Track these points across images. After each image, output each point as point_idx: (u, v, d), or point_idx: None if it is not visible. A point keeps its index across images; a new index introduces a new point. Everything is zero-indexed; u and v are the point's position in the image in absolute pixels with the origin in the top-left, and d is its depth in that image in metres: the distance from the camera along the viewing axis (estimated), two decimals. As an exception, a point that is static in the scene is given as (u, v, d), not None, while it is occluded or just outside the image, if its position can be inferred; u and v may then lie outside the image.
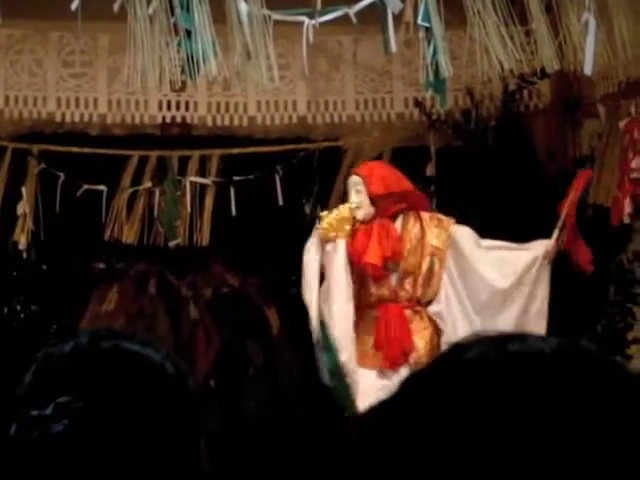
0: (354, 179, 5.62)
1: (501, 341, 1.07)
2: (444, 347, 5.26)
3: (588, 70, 4.86)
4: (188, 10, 4.65)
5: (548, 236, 6.01)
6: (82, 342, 1.48)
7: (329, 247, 5.45)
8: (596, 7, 4.80)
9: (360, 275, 5.52)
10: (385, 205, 5.51)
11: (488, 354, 1.05)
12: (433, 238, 5.54)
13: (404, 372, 5.29)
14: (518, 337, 1.08)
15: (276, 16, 4.87)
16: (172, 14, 4.69)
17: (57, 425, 1.38)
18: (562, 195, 6.35)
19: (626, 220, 5.85)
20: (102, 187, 6.77)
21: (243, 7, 4.75)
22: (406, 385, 1.07)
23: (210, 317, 7.00)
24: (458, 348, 1.07)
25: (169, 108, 6.67)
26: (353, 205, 5.51)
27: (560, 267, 6.25)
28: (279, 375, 6.87)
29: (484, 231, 6.15)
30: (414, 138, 6.70)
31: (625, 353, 6.24)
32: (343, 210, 5.53)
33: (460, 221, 5.61)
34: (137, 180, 6.86)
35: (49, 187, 6.70)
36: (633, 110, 5.90)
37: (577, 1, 4.83)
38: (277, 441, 6.52)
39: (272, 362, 6.94)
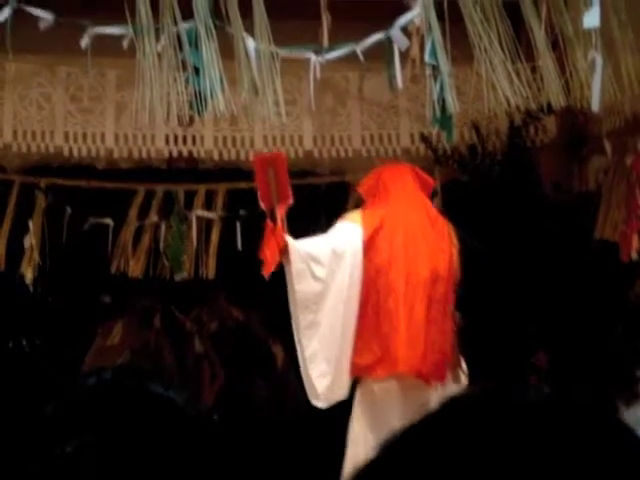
0: None
1: (500, 393, 1.07)
2: None
3: (595, 107, 4.87)
4: (196, 47, 4.68)
5: (556, 268, 6.03)
6: (106, 379, 1.48)
7: None
8: (602, 44, 4.82)
9: None
10: None
11: (487, 407, 1.05)
12: None
13: None
14: (518, 389, 1.09)
15: (283, 53, 4.90)
16: (180, 50, 4.71)
17: (78, 465, 1.38)
18: (565, 228, 6.36)
19: (634, 256, 5.84)
20: (108, 221, 6.80)
21: (251, 44, 4.78)
22: (403, 439, 1.07)
23: (215, 351, 7.00)
24: (455, 402, 1.08)
25: (176, 142, 6.69)
26: None
27: (568, 304, 6.25)
28: (284, 409, 6.86)
29: (489, 264, 6.15)
30: (420, 173, 6.72)
31: (633, 391, 6.22)
32: None
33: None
34: (143, 214, 6.88)
35: (56, 220, 6.72)
36: (639, 146, 5.91)
37: (583, 38, 4.85)
38: (284, 472, 6.51)
39: (277, 396, 6.94)
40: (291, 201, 5.06)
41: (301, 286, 5.09)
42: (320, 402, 5.13)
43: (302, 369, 5.16)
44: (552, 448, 1.02)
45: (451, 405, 1.08)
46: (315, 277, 5.12)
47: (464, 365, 5.29)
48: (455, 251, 5.32)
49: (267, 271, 5.09)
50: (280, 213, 5.02)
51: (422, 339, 5.11)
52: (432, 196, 6.29)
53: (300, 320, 5.11)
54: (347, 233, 5.21)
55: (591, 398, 1.07)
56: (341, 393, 5.15)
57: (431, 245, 5.25)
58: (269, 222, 5.06)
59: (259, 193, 5.13)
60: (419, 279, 5.15)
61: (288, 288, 5.13)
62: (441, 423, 1.06)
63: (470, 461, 1.02)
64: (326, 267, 5.12)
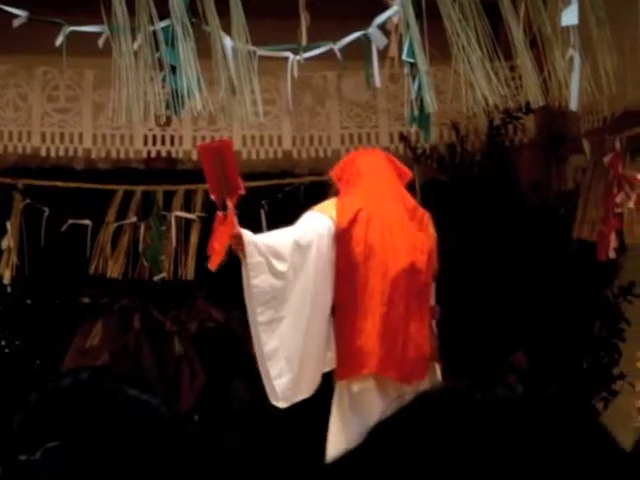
0: None
1: (468, 390, 1.06)
2: None
3: (574, 106, 4.87)
4: (173, 46, 4.66)
5: (534, 268, 6.03)
6: (81, 381, 1.46)
7: None
8: (580, 43, 4.82)
9: None
10: None
11: (454, 403, 1.04)
12: None
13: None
14: (485, 385, 1.07)
15: (261, 52, 4.88)
16: (157, 49, 4.69)
17: (45, 472, 1.36)
18: (544, 227, 6.37)
19: (612, 255, 5.85)
20: (87, 222, 6.77)
21: (228, 43, 4.76)
22: (372, 435, 1.06)
23: (195, 352, 6.98)
24: (423, 397, 1.07)
25: (154, 143, 6.67)
26: None
27: (547, 303, 6.25)
28: (264, 409, 6.84)
29: (468, 263, 6.15)
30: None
31: (611, 389, 6.23)
32: None
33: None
34: (122, 215, 6.85)
35: (34, 222, 6.68)
36: (618, 145, 5.92)
37: (562, 37, 4.85)
38: (264, 472, 6.49)
39: (257, 397, 6.91)
40: (242, 191, 4.86)
41: (258, 280, 4.89)
42: (279, 402, 4.96)
43: (260, 367, 4.97)
44: (516, 445, 1.01)
45: (416, 402, 1.07)
46: (275, 272, 4.92)
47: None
48: (434, 242, 5.19)
49: (213, 264, 4.94)
50: (231, 204, 4.81)
51: (401, 337, 4.97)
52: (411, 195, 6.25)
53: (258, 316, 4.91)
54: (314, 224, 5.02)
55: (563, 396, 1.06)
56: (304, 393, 5.00)
57: (409, 237, 5.08)
58: (219, 213, 4.89)
59: (208, 184, 4.94)
60: (396, 273, 4.98)
61: (244, 283, 4.93)
62: (407, 420, 1.05)
63: (434, 458, 1.01)
64: (288, 261, 4.93)
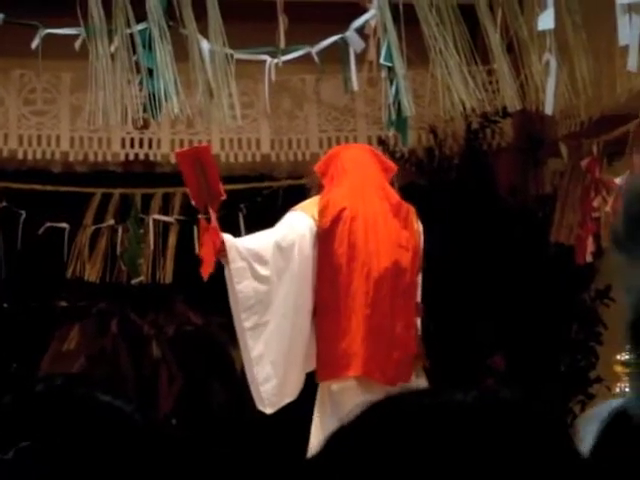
0: None
1: (420, 395, 1.06)
2: None
3: (549, 110, 4.89)
4: (150, 48, 4.65)
5: (512, 271, 6.03)
6: (55, 387, 1.46)
7: None
8: (557, 47, 4.84)
9: None
10: None
11: (407, 409, 1.04)
12: None
13: None
14: (438, 390, 1.08)
15: (238, 55, 4.88)
16: (134, 52, 4.68)
17: (17, 471, 1.36)
18: (522, 231, 6.38)
19: (589, 259, 5.87)
20: (64, 225, 6.75)
21: (205, 46, 4.76)
22: (328, 443, 1.06)
23: (173, 355, 6.96)
24: (378, 404, 1.07)
25: (132, 145, 6.66)
26: None
27: (524, 305, 6.27)
28: (243, 413, 6.83)
29: (446, 266, 6.15)
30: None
31: (588, 392, 6.25)
32: None
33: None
34: (100, 218, 6.83)
35: (11, 225, 6.65)
36: (595, 149, 5.94)
37: (538, 41, 4.87)
38: (244, 476, 6.48)
39: (236, 400, 6.91)
40: (223, 197, 4.79)
41: (242, 286, 4.82)
42: (266, 407, 4.91)
43: (247, 373, 4.93)
44: (466, 449, 1.01)
45: (370, 409, 1.07)
46: (258, 276, 4.86)
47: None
48: (419, 238, 5.10)
49: (205, 272, 4.86)
50: (213, 210, 4.75)
51: (386, 338, 4.89)
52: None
53: (243, 321, 4.86)
54: (295, 225, 4.94)
55: (519, 399, 1.06)
56: (288, 397, 4.95)
57: (393, 235, 4.98)
58: (203, 221, 4.84)
59: (189, 191, 4.86)
60: (380, 273, 4.89)
61: (228, 288, 4.88)
62: (360, 427, 1.05)
63: (387, 465, 1.01)
64: (270, 265, 4.86)
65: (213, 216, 4.74)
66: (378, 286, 4.91)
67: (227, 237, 4.83)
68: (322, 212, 4.96)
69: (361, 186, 5.07)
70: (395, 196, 5.14)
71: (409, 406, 1.05)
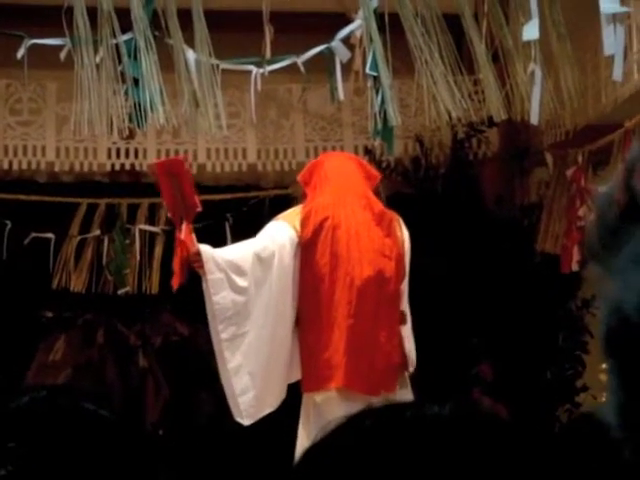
0: None
1: (398, 409, 1.06)
2: None
3: (534, 119, 4.90)
4: (135, 58, 4.65)
5: (499, 280, 6.03)
6: (39, 398, 1.46)
7: None
8: (542, 57, 4.86)
9: None
10: None
11: (386, 421, 1.04)
12: None
13: None
14: (414, 404, 1.08)
15: (224, 65, 4.88)
16: (119, 62, 4.68)
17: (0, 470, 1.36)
18: (508, 240, 6.40)
19: (575, 268, 5.88)
20: (50, 235, 6.73)
21: (191, 55, 4.75)
22: (306, 456, 1.06)
23: (159, 366, 6.95)
24: (355, 418, 1.07)
25: (118, 156, 6.65)
26: None
27: (511, 314, 6.28)
28: (230, 424, 6.81)
29: (433, 276, 6.16)
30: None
31: (574, 401, 6.26)
32: None
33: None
34: (86, 228, 6.82)
35: (-4, 235, 6.64)
36: (580, 159, 5.96)
37: (523, 51, 4.88)
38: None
39: (222, 411, 6.89)
40: (199, 209, 4.76)
41: (219, 297, 4.80)
42: (243, 419, 4.86)
43: (224, 384, 4.88)
44: (442, 462, 1.01)
45: (347, 423, 1.07)
46: (236, 287, 4.83)
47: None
48: (402, 246, 5.07)
49: (175, 282, 4.85)
50: (187, 221, 4.74)
51: (369, 348, 4.87)
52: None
53: (221, 333, 4.81)
54: (275, 235, 4.93)
55: (494, 413, 1.06)
56: (268, 408, 4.91)
57: (376, 244, 4.96)
58: (178, 232, 4.81)
59: (165, 202, 4.86)
60: (363, 283, 4.87)
61: (205, 299, 4.85)
62: (337, 440, 1.05)
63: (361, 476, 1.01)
64: (249, 276, 4.84)
65: (186, 228, 4.73)
66: (361, 295, 4.88)
67: (204, 248, 4.81)
68: (304, 221, 4.94)
69: (344, 195, 5.05)
70: (378, 204, 5.11)
71: (384, 420, 1.05)
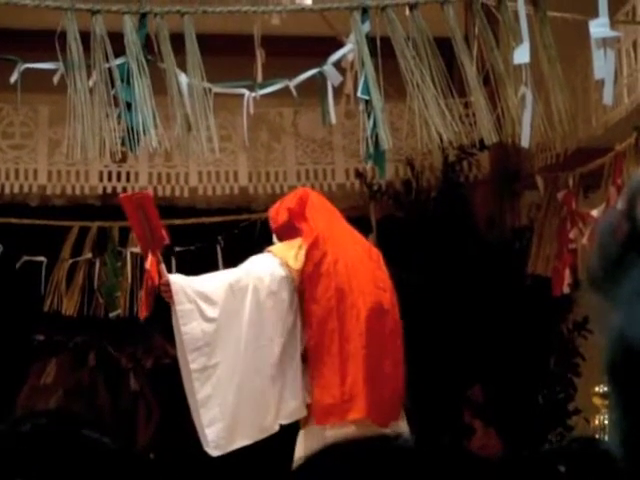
0: None
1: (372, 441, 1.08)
2: None
3: (525, 143, 4.91)
4: (128, 82, 4.66)
5: (490, 303, 6.04)
6: (40, 425, 1.45)
7: None
8: (533, 80, 4.88)
9: None
10: None
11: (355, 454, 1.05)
12: None
13: None
14: (392, 437, 1.09)
15: (217, 89, 4.89)
16: (112, 86, 4.69)
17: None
18: (499, 263, 6.41)
19: (566, 290, 5.89)
20: (42, 258, 6.72)
21: (183, 79, 4.76)
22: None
23: (150, 389, 6.93)
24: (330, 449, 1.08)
25: (110, 179, 6.66)
26: None
27: (503, 336, 6.28)
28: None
29: (423, 298, 6.16)
30: (355, 209, 6.72)
31: (566, 424, 6.26)
32: None
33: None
34: (77, 251, 6.81)
35: (-13, 258, 6.63)
36: (571, 182, 5.98)
37: (514, 74, 4.90)
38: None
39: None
40: (167, 241, 4.81)
41: (188, 327, 4.74)
42: (211, 450, 4.79)
43: (193, 413, 4.83)
44: None
45: (323, 452, 1.08)
46: (206, 318, 4.78)
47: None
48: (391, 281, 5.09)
49: (141, 313, 4.89)
50: (153, 253, 4.75)
51: (378, 378, 4.84)
52: (367, 232, 6.25)
53: (190, 363, 4.75)
54: (253, 268, 4.90)
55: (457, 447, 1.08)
56: (241, 440, 4.82)
57: (371, 277, 4.98)
58: (146, 264, 4.82)
59: (134, 234, 4.90)
60: (368, 314, 4.87)
61: (174, 330, 4.81)
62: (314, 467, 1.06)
63: None
64: (220, 305, 4.79)
65: (153, 259, 4.75)
66: (369, 326, 4.88)
67: (175, 278, 4.81)
68: (310, 252, 4.92)
69: (336, 230, 5.08)
70: (363, 239, 5.20)
71: (353, 451, 1.06)
